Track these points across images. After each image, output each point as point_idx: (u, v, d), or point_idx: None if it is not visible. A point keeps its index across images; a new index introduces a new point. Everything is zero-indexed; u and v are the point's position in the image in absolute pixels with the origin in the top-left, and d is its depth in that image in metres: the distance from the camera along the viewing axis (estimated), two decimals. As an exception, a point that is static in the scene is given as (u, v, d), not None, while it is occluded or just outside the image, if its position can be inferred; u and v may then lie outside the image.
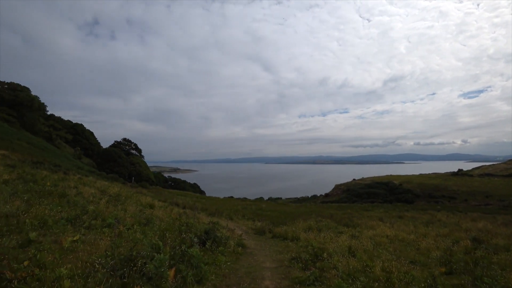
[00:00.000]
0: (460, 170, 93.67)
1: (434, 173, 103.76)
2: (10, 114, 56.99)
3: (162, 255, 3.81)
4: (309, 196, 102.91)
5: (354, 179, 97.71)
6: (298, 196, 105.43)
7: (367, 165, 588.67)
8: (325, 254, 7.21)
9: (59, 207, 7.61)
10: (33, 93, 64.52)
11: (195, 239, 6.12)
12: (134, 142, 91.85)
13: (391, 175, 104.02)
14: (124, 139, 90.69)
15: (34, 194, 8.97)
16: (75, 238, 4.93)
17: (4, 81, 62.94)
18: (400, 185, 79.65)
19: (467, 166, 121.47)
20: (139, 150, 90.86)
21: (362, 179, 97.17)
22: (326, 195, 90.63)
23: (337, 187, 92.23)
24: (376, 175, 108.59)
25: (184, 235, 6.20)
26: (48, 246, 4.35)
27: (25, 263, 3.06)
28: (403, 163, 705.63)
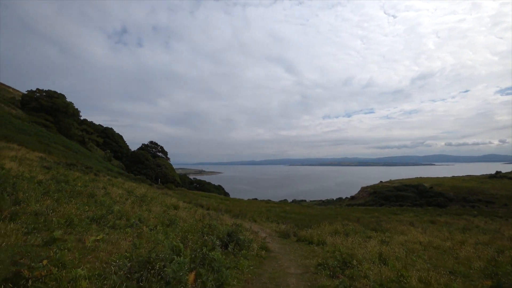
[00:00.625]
0: (498, 172, 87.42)
1: (468, 175, 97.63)
2: (48, 119, 60.63)
3: (182, 258, 3.66)
4: (334, 198, 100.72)
5: (381, 181, 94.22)
6: (323, 198, 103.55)
7: (395, 167, 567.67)
8: (354, 261, 6.68)
9: (87, 207, 7.77)
10: (68, 99, 68.33)
11: (217, 242, 5.94)
12: (161, 145, 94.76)
13: (421, 177, 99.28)
14: (151, 142, 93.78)
15: (64, 194, 9.26)
16: (98, 237, 4.93)
17: (43, 89, 67.13)
18: (430, 188, 75.78)
19: (506, 168, 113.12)
20: (165, 153, 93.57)
21: (390, 181, 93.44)
22: (352, 197, 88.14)
23: (363, 189, 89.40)
24: (405, 177, 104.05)
25: (206, 237, 6.04)
26: (72, 244, 4.35)
27: (44, 262, 3.01)
28: (434, 164, 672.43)
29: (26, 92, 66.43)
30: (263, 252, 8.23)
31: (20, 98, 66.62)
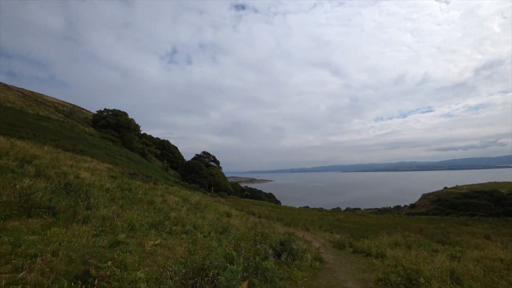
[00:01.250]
0: None
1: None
2: (114, 134, 67.46)
3: (235, 266, 3.63)
4: (392, 207, 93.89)
5: (445, 188, 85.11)
6: (379, 206, 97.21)
7: (460, 171, 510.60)
8: (421, 278, 5.86)
9: (146, 213, 8.30)
10: (129, 116, 75.42)
11: (270, 251, 5.79)
12: (213, 154, 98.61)
13: (495, 182, 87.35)
14: (204, 152, 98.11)
15: (127, 201, 10.04)
16: (156, 242, 5.18)
17: (109, 109, 75.14)
18: (509, 195, 66.17)
19: None
20: (217, 162, 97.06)
21: (457, 187, 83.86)
22: (412, 206, 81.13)
23: (425, 196, 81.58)
24: (475, 182, 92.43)
25: (259, 246, 5.96)
26: (133, 248, 4.62)
27: (109, 263, 3.22)
28: (510, 167, 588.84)
29: (96, 112, 75.02)
30: (317, 263, 7.82)
31: (91, 117, 75.44)
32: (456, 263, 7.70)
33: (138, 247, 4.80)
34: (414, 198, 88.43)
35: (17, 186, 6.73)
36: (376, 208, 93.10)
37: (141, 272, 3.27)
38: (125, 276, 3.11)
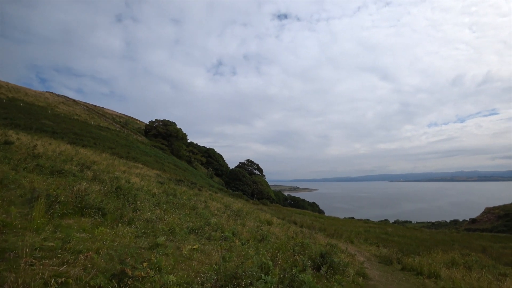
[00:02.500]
0: None
1: None
2: (163, 143, 71.77)
3: (269, 277, 3.47)
4: (448, 221, 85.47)
5: (516, 201, 74.92)
6: (433, 220, 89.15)
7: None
8: None
9: (188, 218, 8.52)
10: (178, 126, 79.77)
11: (308, 263, 5.47)
12: (256, 162, 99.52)
13: None
14: (248, 160, 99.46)
15: (171, 205, 10.45)
16: (194, 247, 5.23)
17: (160, 119, 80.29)
18: None
19: None
20: (261, 170, 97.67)
21: (530, 200, 73.43)
22: (473, 221, 72.75)
23: (489, 211, 72.53)
24: (555, 195, 79.90)
25: (297, 257, 5.68)
26: (171, 251, 4.71)
27: (144, 264, 3.30)
28: None
29: (148, 122, 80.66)
30: (361, 279, 7.15)
31: (144, 127, 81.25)
32: None
33: (176, 251, 4.88)
34: (474, 213, 79.40)
35: (75, 188, 7.38)
36: (429, 222, 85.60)
37: (174, 276, 3.28)
38: (158, 278, 3.15)
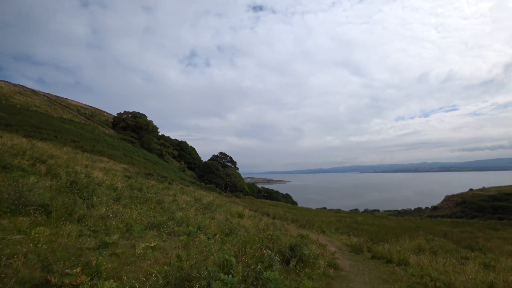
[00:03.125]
0: None
1: None
2: (133, 136, 68.97)
3: (230, 276, 3.07)
4: (412, 209, 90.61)
5: (471, 189, 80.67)
6: (399, 208, 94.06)
7: (487, 172, 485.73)
8: None
9: (151, 212, 7.93)
10: (149, 118, 76.98)
11: (276, 257, 5.10)
12: (230, 155, 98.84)
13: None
14: (221, 153, 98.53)
15: (134, 200, 9.73)
16: (152, 244, 4.72)
17: (129, 111, 76.94)
18: (543, 198, 61.92)
19: None
20: (234, 163, 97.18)
21: (483, 189, 79.20)
22: (434, 208, 77.63)
23: (448, 198, 77.70)
24: (503, 184, 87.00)
25: (264, 251, 5.30)
26: (122, 250, 4.17)
27: (78, 269, 2.75)
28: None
29: (116, 114, 77.00)
30: (332, 270, 6.93)
31: (112, 120, 77.46)
32: (492, 274, 6.62)
33: (128, 250, 4.33)
34: (436, 200, 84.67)
35: (18, 184, 6.51)
36: (396, 210, 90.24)
37: (114, 281, 2.77)
38: (92, 285, 2.63)
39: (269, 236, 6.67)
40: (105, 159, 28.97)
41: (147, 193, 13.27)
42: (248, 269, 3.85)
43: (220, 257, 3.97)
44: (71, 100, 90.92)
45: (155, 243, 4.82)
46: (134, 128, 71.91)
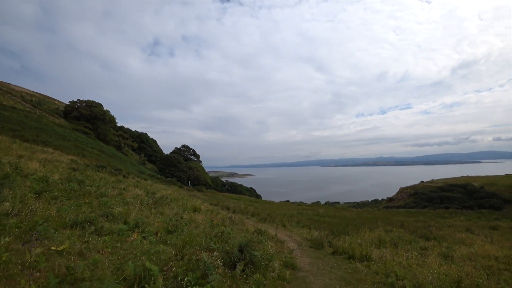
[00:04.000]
0: None
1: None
2: (87, 126, 64.09)
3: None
4: (370, 200, 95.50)
5: (422, 182, 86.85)
6: (358, 200, 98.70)
7: (435, 166, 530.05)
8: None
9: (83, 208, 6.67)
10: (110, 110, 72.01)
11: (219, 262, 4.17)
12: (193, 148, 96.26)
13: (468, 176, 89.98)
14: (183, 146, 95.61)
15: (67, 194, 8.32)
16: (60, 248, 3.61)
17: (83, 99, 71.24)
18: (481, 188, 68.08)
19: None
20: (197, 156, 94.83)
21: (432, 181, 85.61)
22: (390, 199, 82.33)
23: (402, 190, 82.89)
24: (448, 176, 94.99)
25: (204, 254, 4.31)
26: (7, 257, 3.03)
27: None
28: (480, 162, 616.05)
29: (68, 103, 70.82)
30: (288, 272, 6.07)
31: (64, 109, 71.11)
32: (455, 267, 6.35)
33: (17, 257, 3.19)
34: (391, 192, 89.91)
35: None
36: (355, 202, 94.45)
37: None
38: None
39: (219, 234, 5.78)
40: (50, 150, 26.14)
41: (90, 186, 11.73)
42: (173, 282, 2.91)
43: (138, 265, 2.99)
44: (14, 85, 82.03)
45: (65, 245, 3.72)
46: (89, 118, 66.84)
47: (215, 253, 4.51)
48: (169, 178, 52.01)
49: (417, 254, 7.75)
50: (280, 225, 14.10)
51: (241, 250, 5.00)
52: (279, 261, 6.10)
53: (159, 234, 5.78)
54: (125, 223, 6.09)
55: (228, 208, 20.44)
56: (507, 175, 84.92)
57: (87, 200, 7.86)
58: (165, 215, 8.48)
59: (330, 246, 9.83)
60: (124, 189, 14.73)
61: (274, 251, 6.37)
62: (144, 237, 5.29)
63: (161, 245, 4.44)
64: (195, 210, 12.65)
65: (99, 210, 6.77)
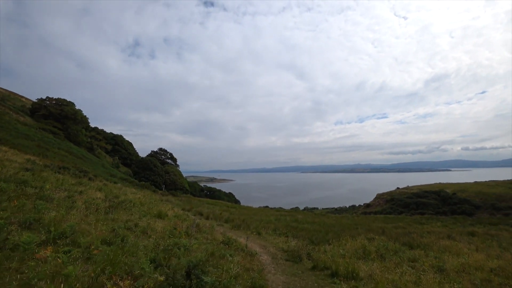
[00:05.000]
0: None
1: (492, 180, 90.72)
2: (56, 126, 60.16)
3: None
4: (347, 206, 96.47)
5: (398, 188, 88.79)
6: (336, 206, 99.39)
7: (410, 173, 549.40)
8: None
9: (1, 212, 5.22)
10: (86, 110, 68.30)
11: None
12: (170, 152, 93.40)
13: (440, 183, 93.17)
14: (160, 149, 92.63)
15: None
16: None
17: (53, 97, 67.12)
18: (453, 194, 70.18)
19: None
20: (175, 159, 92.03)
21: (408, 187, 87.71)
22: (367, 205, 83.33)
23: (379, 196, 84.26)
24: (423, 183, 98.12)
25: (125, 283, 3.02)
26: None
27: None
28: (450, 170, 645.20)
29: (36, 100, 66.40)
30: None
31: (31, 106, 66.56)
32: (457, 286, 5.39)
33: None
34: (367, 198, 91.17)
35: None
36: (333, 208, 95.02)
37: None
38: None
39: (168, 248, 4.49)
40: (5, 148, 23.71)
41: (35, 187, 10.08)
42: None
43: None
44: (-25, 80, 76.16)
45: None
46: (59, 118, 62.83)
47: (147, 279, 3.21)
48: (143, 182, 49.49)
49: (409, 268, 6.66)
50: (254, 233, 12.66)
51: (188, 274, 3.64)
52: (244, 285, 4.56)
53: (92, 247, 4.44)
54: (50, 232, 4.70)
55: (201, 214, 18.95)
56: (476, 183, 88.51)
57: (15, 203, 6.34)
58: (118, 222, 7.07)
59: (309, 259, 8.37)
60: (81, 192, 13.07)
61: (239, 269, 4.98)
62: (67, 251, 3.96)
63: (71, 267, 3.14)
64: (160, 216, 11.18)
65: (23, 215, 5.32)
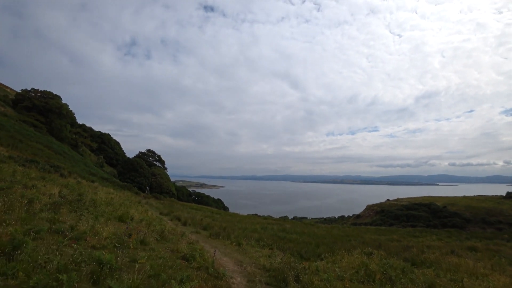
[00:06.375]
0: (509, 193, 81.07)
1: (480, 195, 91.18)
2: (39, 119, 57.31)
3: None
4: (337, 216, 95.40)
5: (388, 200, 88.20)
6: (325, 216, 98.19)
7: (398, 186, 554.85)
8: None
9: None
10: (76, 106, 65.63)
11: None
12: (159, 154, 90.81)
13: (430, 196, 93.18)
14: (148, 150, 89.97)
15: None
16: None
17: (38, 89, 64.38)
18: (444, 208, 69.64)
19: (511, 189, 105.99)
20: (162, 162, 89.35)
21: (398, 199, 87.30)
22: (357, 216, 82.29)
23: (370, 207, 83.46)
24: (412, 196, 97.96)
25: None
26: None
27: None
28: (437, 184, 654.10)
29: (20, 91, 63.37)
30: None
31: (14, 97, 63.44)
32: None
33: None
34: (357, 209, 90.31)
35: None
36: (322, 218, 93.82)
37: None
38: None
39: (78, 265, 2.80)
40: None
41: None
42: None
43: None
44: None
45: None
46: (43, 111, 59.81)
47: None
48: (125, 183, 47.10)
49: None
50: (234, 243, 10.56)
51: None
52: None
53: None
54: None
55: (179, 219, 17.04)
56: (465, 197, 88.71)
57: None
58: (42, 222, 5.32)
59: (297, 282, 6.07)
60: (32, 186, 11.19)
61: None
62: None
63: None
64: (122, 219, 9.36)
65: None
